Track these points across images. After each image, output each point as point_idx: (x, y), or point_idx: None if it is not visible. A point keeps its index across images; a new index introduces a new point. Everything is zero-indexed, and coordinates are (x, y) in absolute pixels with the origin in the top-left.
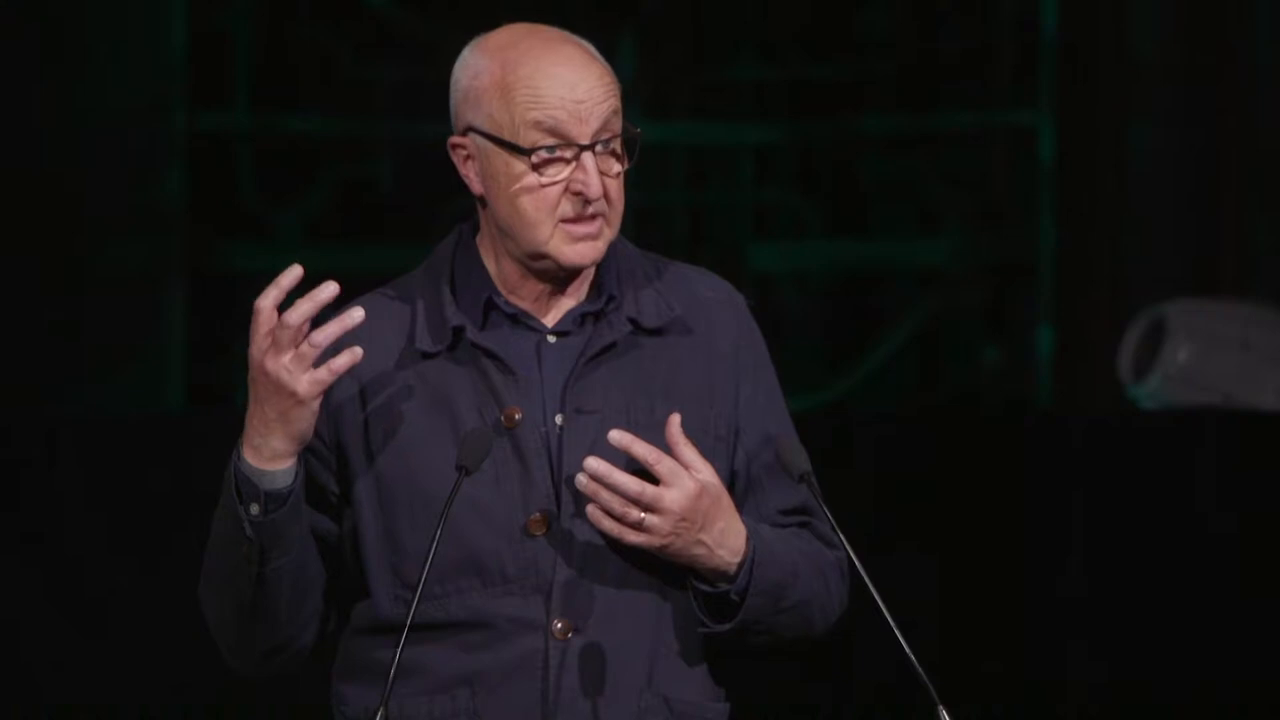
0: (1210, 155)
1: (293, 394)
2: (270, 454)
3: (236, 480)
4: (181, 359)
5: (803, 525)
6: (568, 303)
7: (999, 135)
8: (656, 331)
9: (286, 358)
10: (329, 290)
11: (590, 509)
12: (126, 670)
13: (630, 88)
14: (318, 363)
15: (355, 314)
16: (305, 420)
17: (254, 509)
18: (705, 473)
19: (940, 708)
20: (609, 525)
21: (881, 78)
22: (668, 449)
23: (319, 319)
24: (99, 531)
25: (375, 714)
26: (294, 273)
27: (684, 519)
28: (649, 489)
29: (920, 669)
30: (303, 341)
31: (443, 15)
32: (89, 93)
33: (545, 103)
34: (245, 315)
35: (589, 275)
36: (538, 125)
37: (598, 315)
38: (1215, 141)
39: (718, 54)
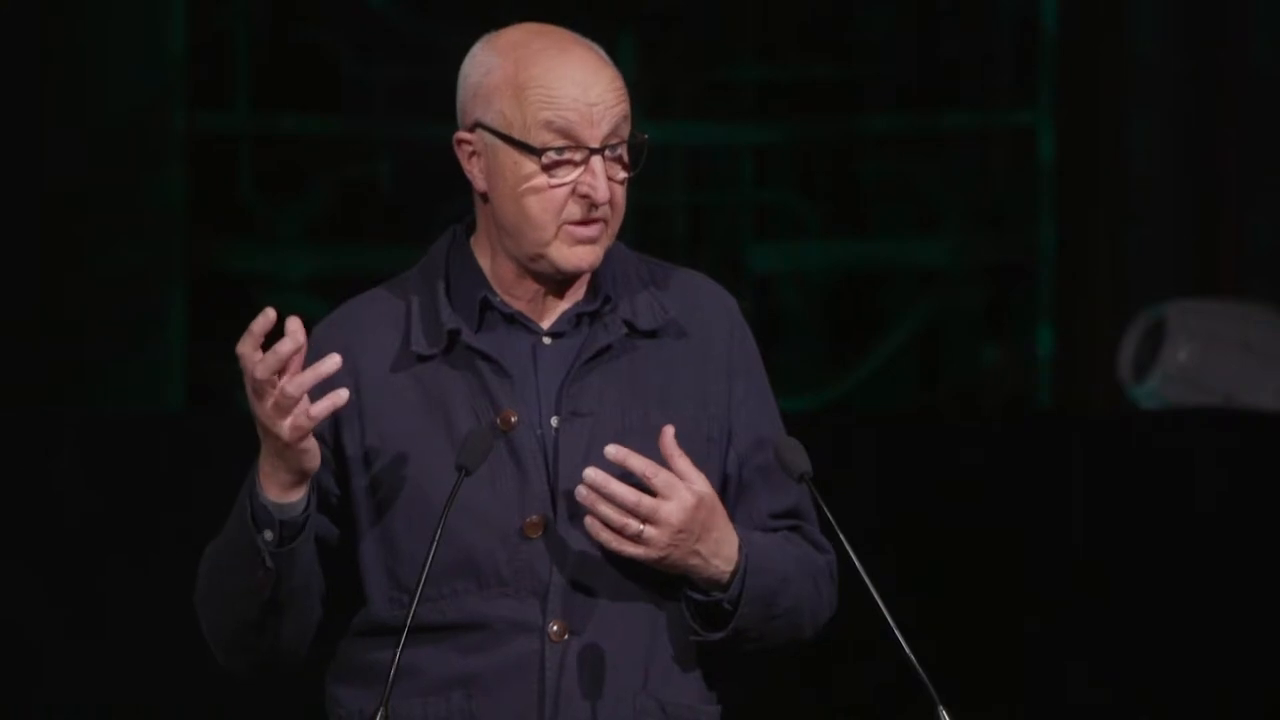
0: (1210, 155)
1: (279, 438)
2: (281, 484)
3: (253, 508)
4: (181, 359)
5: (793, 529)
6: (564, 304)
7: (999, 135)
8: (651, 334)
9: (268, 404)
10: (290, 344)
11: (588, 521)
12: (126, 670)
13: (630, 88)
14: (319, 392)
15: (330, 362)
16: (301, 458)
17: (268, 535)
18: (700, 484)
19: (940, 708)
20: (607, 537)
21: (881, 78)
22: (660, 456)
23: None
24: (99, 531)
25: (375, 715)
26: (267, 317)
27: (681, 531)
28: (646, 500)
29: (920, 669)
30: (277, 392)
31: (443, 15)
32: (89, 93)
33: (558, 103)
34: (245, 315)
35: (586, 276)
36: (549, 125)
37: (593, 316)
38: (1215, 141)
39: (718, 54)
